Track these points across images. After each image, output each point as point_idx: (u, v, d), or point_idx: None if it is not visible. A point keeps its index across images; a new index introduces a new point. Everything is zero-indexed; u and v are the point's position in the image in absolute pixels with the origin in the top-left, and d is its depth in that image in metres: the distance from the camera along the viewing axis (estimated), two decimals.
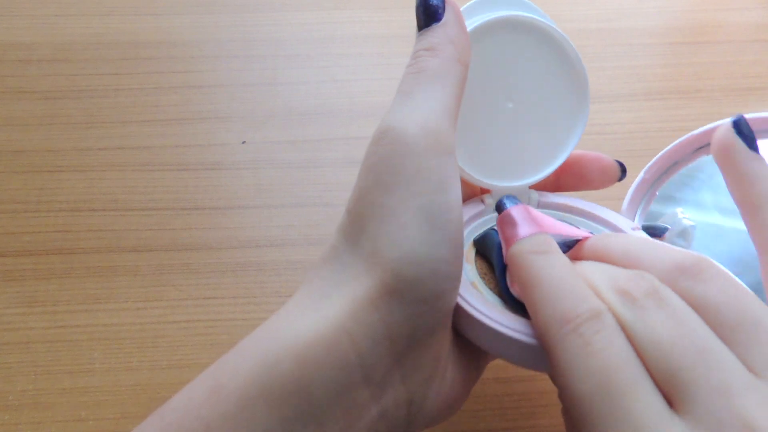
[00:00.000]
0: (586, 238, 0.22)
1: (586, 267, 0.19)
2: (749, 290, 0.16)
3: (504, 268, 0.22)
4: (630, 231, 0.26)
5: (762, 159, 0.19)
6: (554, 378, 0.18)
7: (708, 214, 0.31)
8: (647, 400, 0.15)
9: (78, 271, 0.36)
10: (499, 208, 0.22)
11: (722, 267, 0.17)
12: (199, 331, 0.34)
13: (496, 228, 0.23)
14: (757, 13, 0.51)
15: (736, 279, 0.17)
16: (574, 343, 0.16)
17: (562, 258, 0.19)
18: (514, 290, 0.22)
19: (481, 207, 0.27)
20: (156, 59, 0.46)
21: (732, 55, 0.48)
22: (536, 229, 0.20)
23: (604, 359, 0.16)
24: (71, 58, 0.45)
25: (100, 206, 0.39)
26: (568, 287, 0.18)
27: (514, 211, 0.21)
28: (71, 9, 0.48)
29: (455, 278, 0.19)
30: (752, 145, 0.20)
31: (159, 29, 0.47)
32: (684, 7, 0.51)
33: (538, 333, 0.18)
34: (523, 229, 0.20)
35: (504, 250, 0.21)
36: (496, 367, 0.33)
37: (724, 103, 0.45)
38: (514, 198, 0.22)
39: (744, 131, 0.20)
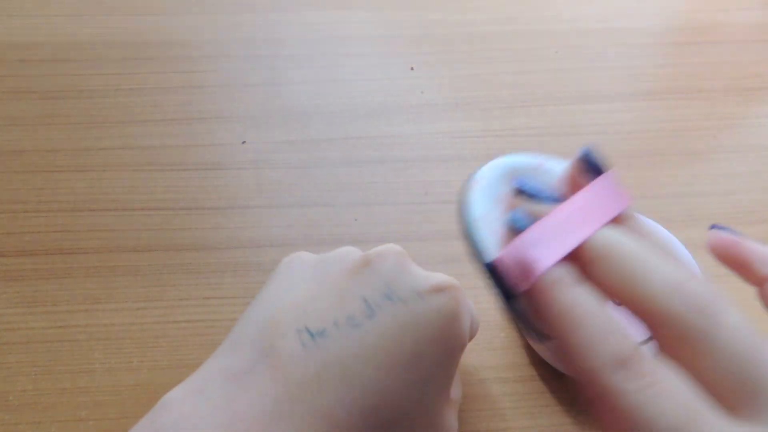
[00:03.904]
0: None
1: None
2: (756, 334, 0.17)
3: (513, 303, 0.19)
4: None
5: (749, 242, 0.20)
6: (617, 420, 0.17)
7: None
8: (717, 421, 0.15)
9: (78, 271, 0.36)
10: (513, 225, 0.19)
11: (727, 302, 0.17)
12: (199, 331, 0.34)
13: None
14: (757, 13, 0.51)
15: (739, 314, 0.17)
16: (638, 385, 0.16)
17: (592, 292, 0.18)
18: (537, 324, 0.20)
19: None
20: (156, 59, 0.46)
21: (732, 55, 0.48)
22: (559, 254, 0.18)
23: (674, 397, 0.16)
24: (71, 58, 0.45)
25: (100, 206, 0.39)
26: (611, 325, 0.17)
27: (536, 234, 0.18)
28: (71, 9, 0.48)
29: None
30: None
31: (159, 29, 0.47)
32: (684, 7, 0.51)
33: (584, 376, 0.17)
34: (546, 258, 0.18)
35: (520, 280, 0.18)
36: (497, 368, 0.33)
37: (724, 103, 0.45)
38: (524, 212, 0.20)
39: (721, 230, 0.21)
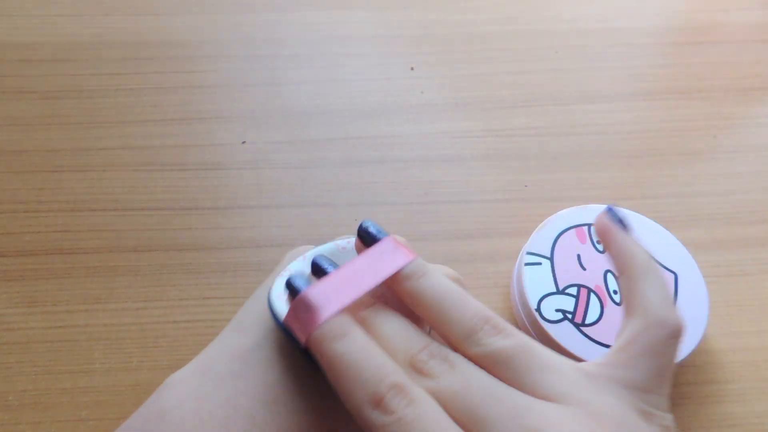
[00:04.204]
0: (405, 265, 0.21)
1: (386, 328, 0.20)
2: (535, 340, 0.19)
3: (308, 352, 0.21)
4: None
5: (635, 239, 0.23)
6: None
7: None
8: None
9: (78, 271, 0.36)
10: (290, 287, 0.21)
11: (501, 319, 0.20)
12: (199, 331, 0.34)
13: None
14: (757, 13, 0.51)
15: (520, 333, 0.20)
16: (390, 420, 0.17)
17: (359, 337, 0.19)
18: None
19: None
20: (156, 59, 0.46)
21: (732, 55, 0.48)
22: (334, 308, 0.19)
23: (422, 426, 0.17)
24: (71, 58, 0.45)
25: (100, 206, 0.39)
26: (371, 367, 0.18)
27: (310, 293, 0.20)
28: (71, 9, 0.48)
29: None
30: (625, 227, 0.23)
31: (159, 29, 0.47)
32: (684, 7, 0.51)
33: (354, 417, 0.18)
34: (320, 314, 0.19)
35: (299, 334, 0.20)
36: None
37: (724, 103, 0.45)
38: (302, 276, 0.21)
39: (617, 216, 0.24)
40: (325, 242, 0.39)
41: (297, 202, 0.39)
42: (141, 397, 0.32)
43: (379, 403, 0.17)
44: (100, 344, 0.34)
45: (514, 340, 0.19)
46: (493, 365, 0.19)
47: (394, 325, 0.20)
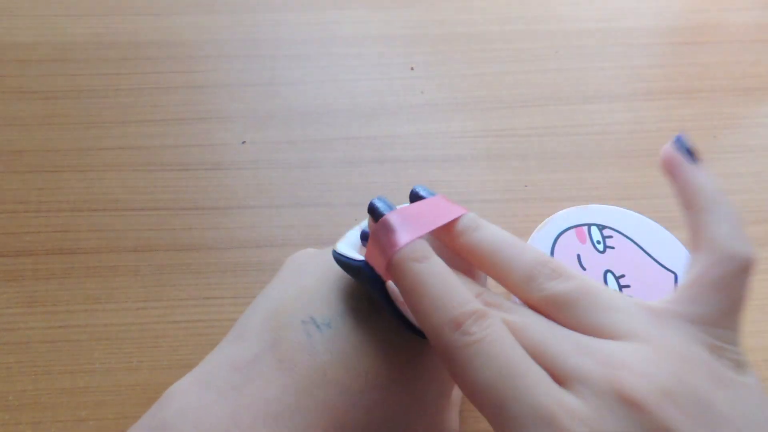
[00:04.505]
0: (460, 217, 0.22)
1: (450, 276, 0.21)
2: (596, 282, 0.20)
3: (386, 294, 0.22)
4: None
5: (704, 170, 0.22)
6: (455, 376, 0.19)
7: None
8: (543, 380, 0.17)
9: (78, 271, 0.36)
10: (372, 211, 0.22)
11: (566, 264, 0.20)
12: (199, 331, 0.34)
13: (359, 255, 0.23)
14: (757, 13, 0.51)
15: (581, 273, 0.20)
16: (471, 340, 0.18)
17: (440, 263, 0.20)
18: (402, 307, 0.22)
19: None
20: (156, 59, 0.46)
21: (732, 55, 0.48)
22: (413, 235, 0.20)
23: (499, 349, 0.17)
24: (71, 58, 0.45)
25: (100, 206, 0.39)
26: (452, 291, 0.19)
27: (391, 217, 0.21)
28: (71, 9, 0.48)
29: None
30: (694, 158, 0.22)
31: (159, 29, 0.47)
32: (684, 7, 0.51)
33: (431, 338, 0.19)
34: (402, 236, 0.20)
35: (380, 260, 0.20)
36: None
37: (724, 103, 0.45)
38: (386, 201, 0.22)
39: (686, 146, 0.22)
40: (324, 242, 0.39)
41: (297, 202, 0.39)
42: (141, 397, 0.32)
43: (459, 325, 0.18)
44: (100, 344, 0.34)
45: (574, 283, 0.19)
46: (555, 309, 0.19)
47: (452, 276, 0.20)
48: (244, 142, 0.42)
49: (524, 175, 0.41)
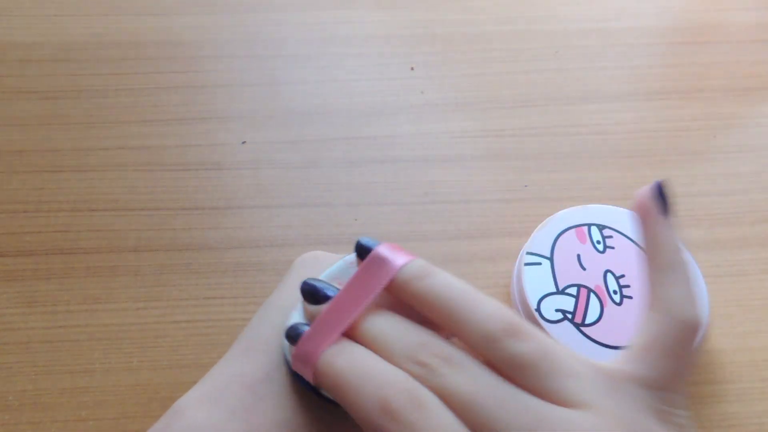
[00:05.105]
0: (403, 266, 0.21)
1: (379, 330, 0.20)
2: (554, 342, 0.19)
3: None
4: None
5: (671, 226, 0.22)
6: None
7: None
8: None
9: (78, 271, 0.36)
10: (289, 332, 0.21)
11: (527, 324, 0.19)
12: (199, 331, 0.34)
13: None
14: (757, 13, 0.51)
15: (538, 333, 0.19)
16: (400, 428, 0.17)
17: (357, 350, 0.19)
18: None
19: None
20: (156, 59, 0.46)
21: (732, 55, 0.48)
22: (328, 339, 0.19)
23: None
24: (71, 58, 0.45)
25: (100, 206, 0.39)
26: (374, 375, 0.18)
27: (304, 329, 0.20)
28: (71, 9, 0.48)
29: None
30: (666, 209, 0.22)
31: (159, 29, 0.47)
32: (684, 7, 0.51)
33: (365, 425, 0.18)
34: (318, 345, 0.19)
35: (307, 372, 0.20)
36: None
37: (724, 103, 0.45)
38: (301, 314, 0.21)
39: (662, 194, 0.22)
40: (324, 242, 0.39)
41: (297, 202, 0.39)
42: (141, 397, 0.32)
43: (387, 409, 0.17)
44: (100, 344, 0.34)
45: (533, 344, 0.19)
46: (512, 371, 0.18)
47: (387, 324, 0.20)
48: (244, 142, 0.42)
49: (524, 175, 0.41)
